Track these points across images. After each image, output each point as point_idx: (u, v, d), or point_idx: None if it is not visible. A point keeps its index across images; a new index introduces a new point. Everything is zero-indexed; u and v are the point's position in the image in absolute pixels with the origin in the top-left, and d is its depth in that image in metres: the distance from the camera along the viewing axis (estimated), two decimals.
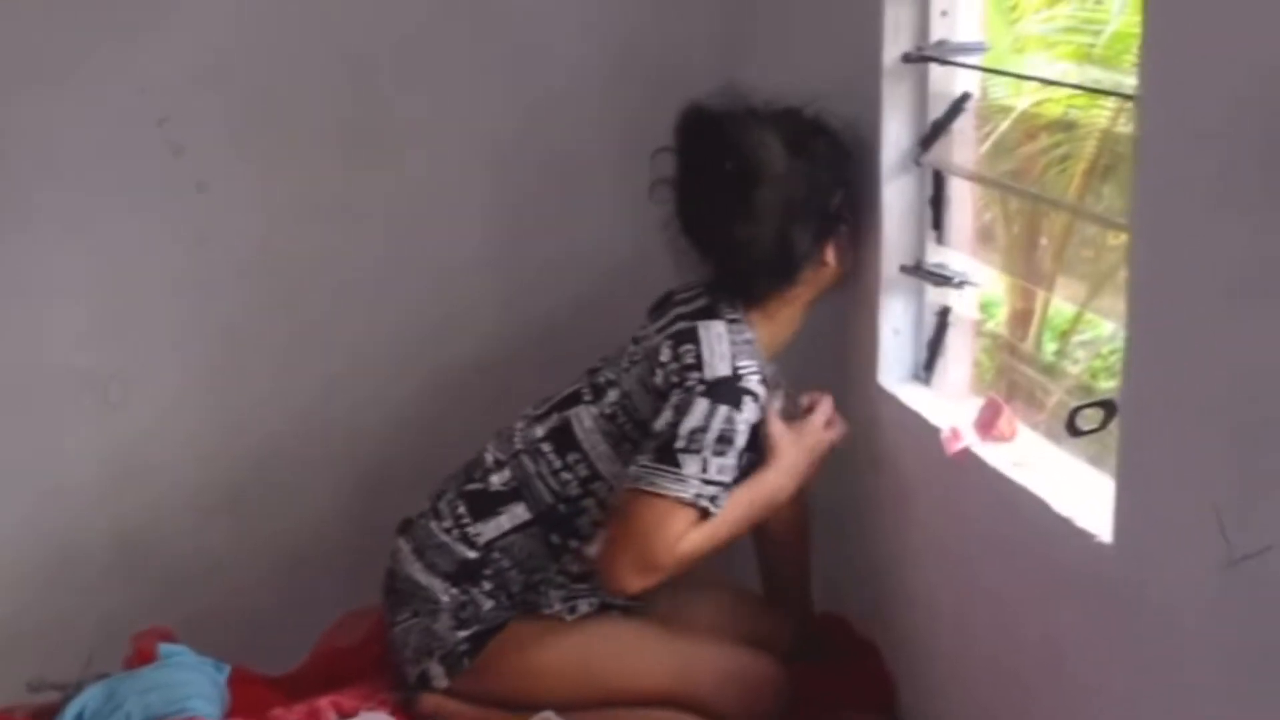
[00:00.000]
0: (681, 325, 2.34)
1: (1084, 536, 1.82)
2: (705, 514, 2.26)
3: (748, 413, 2.27)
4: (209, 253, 2.80)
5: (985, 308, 5.84)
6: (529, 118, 2.85)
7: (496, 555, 2.37)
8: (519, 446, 2.41)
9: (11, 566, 2.82)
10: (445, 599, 2.36)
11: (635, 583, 2.28)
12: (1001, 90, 2.38)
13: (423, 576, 2.39)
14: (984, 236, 2.40)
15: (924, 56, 2.28)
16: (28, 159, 2.67)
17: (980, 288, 2.37)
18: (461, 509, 2.40)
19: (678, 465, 2.24)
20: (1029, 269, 3.98)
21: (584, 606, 2.40)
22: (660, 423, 2.27)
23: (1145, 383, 1.71)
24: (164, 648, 2.29)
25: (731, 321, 2.34)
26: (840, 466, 2.53)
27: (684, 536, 2.26)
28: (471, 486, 2.42)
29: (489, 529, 2.37)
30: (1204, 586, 1.58)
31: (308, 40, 2.75)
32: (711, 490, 2.25)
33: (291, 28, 2.73)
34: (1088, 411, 1.80)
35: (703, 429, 2.24)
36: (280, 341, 2.87)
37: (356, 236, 2.86)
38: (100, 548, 2.87)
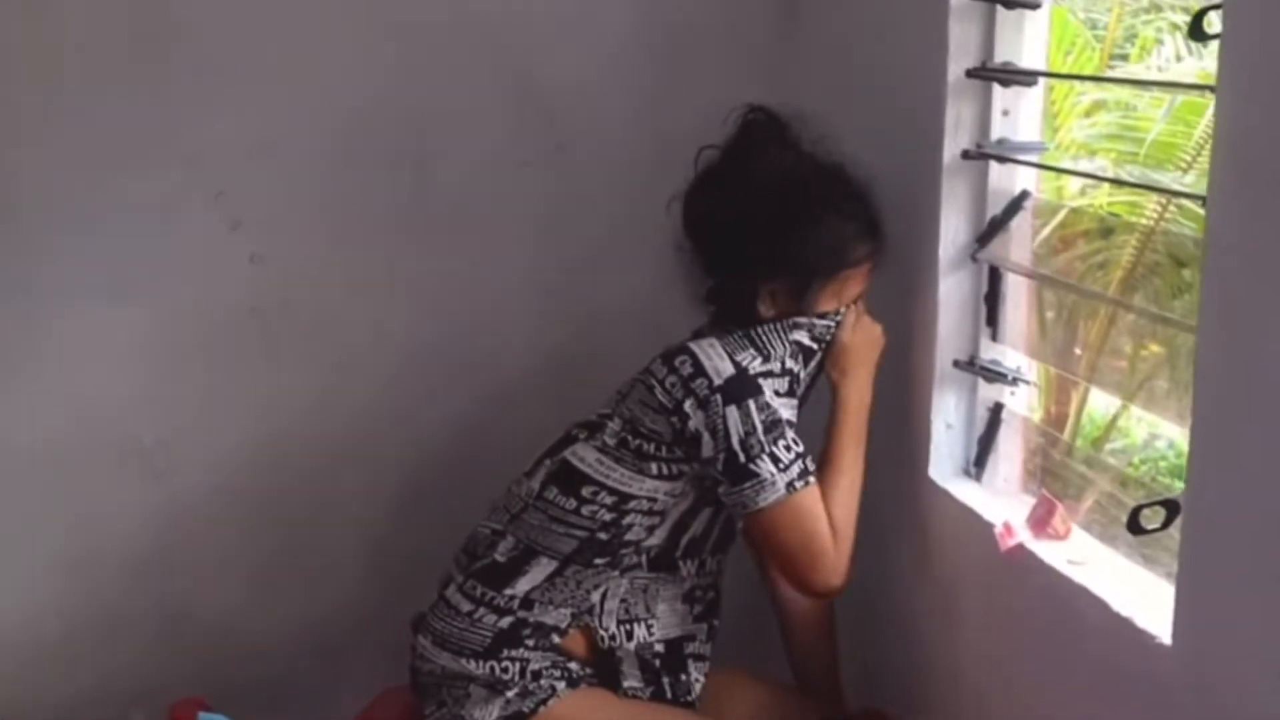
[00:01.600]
0: (671, 346, 2.34)
1: (1144, 637, 1.81)
2: (807, 483, 2.25)
3: (769, 390, 2.28)
4: (260, 324, 2.81)
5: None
6: (572, 201, 2.89)
7: (536, 609, 2.34)
8: (515, 510, 2.39)
9: (54, 634, 2.80)
10: (480, 674, 2.33)
11: (824, 580, 2.28)
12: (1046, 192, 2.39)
13: (452, 663, 2.36)
14: (1039, 335, 2.41)
15: (984, 154, 2.29)
16: (83, 230, 2.68)
17: (1034, 385, 2.36)
18: (479, 589, 2.37)
19: (756, 476, 2.23)
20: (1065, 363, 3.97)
21: (642, 633, 2.36)
22: (707, 453, 2.25)
23: (1209, 484, 1.71)
24: (204, 716, 2.27)
25: (724, 334, 2.33)
26: (887, 559, 2.52)
27: (819, 516, 2.26)
28: (479, 565, 2.39)
29: (521, 586, 2.34)
30: (1264, 693, 1.56)
31: (355, 117, 2.77)
32: (795, 469, 2.25)
33: (345, 106, 2.76)
34: (1148, 511, 1.78)
35: (750, 431, 2.24)
36: (327, 417, 2.87)
37: (405, 312, 2.87)
38: (143, 617, 2.86)
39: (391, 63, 2.78)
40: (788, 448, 2.25)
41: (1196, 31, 1.70)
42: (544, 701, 2.31)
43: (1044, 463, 2.48)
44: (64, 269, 2.70)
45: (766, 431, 2.24)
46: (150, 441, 2.80)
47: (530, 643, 2.33)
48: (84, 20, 2.63)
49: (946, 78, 2.28)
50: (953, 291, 2.36)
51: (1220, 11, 1.65)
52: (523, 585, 2.34)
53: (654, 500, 2.32)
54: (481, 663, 2.34)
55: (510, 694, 2.31)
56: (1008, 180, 2.32)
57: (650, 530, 2.33)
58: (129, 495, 2.82)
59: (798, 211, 2.30)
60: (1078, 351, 4.47)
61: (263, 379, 2.84)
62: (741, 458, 2.23)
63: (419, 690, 2.42)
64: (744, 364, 2.28)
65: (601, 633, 2.35)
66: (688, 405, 2.26)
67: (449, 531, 2.65)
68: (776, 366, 2.31)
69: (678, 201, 2.38)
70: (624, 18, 2.86)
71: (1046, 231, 4.32)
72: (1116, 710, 1.88)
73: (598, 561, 2.33)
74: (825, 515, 2.27)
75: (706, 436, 2.25)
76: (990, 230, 2.32)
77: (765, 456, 2.23)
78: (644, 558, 2.35)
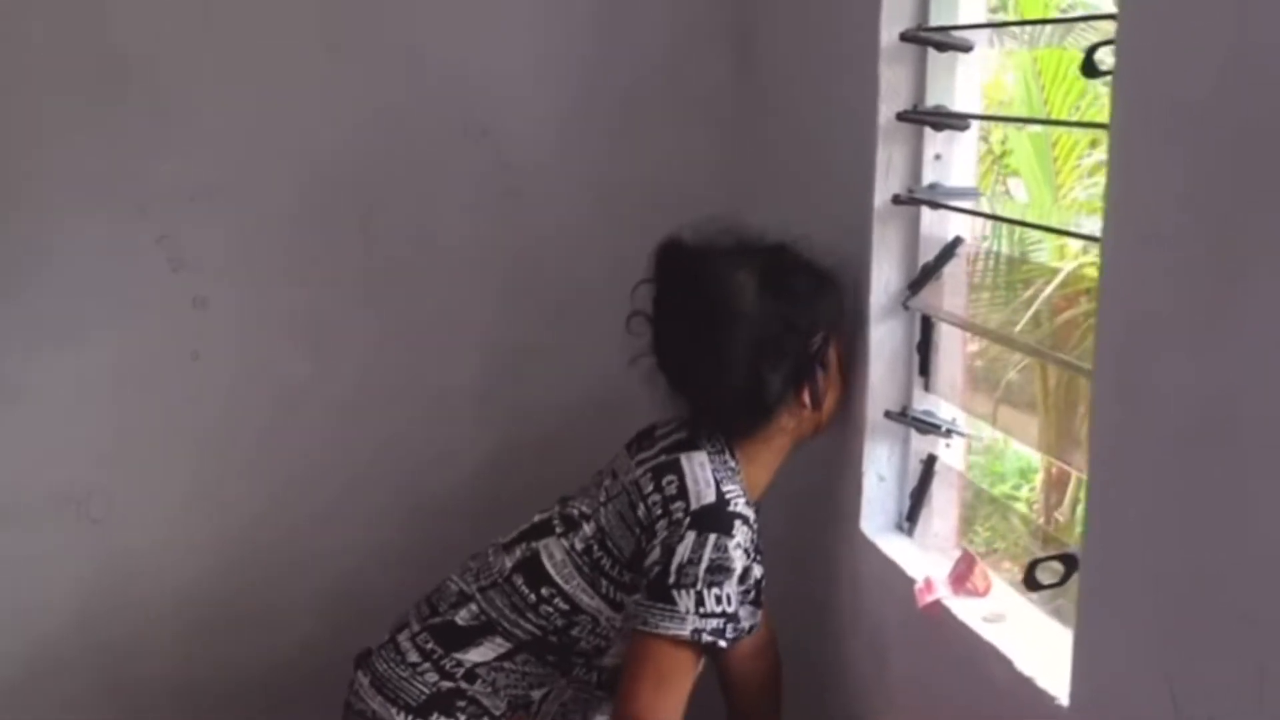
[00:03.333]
0: (663, 459, 2.28)
1: (1044, 698, 1.74)
2: (711, 649, 2.18)
3: (740, 537, 2.19)
4: (202, 368, 2.78)
5: (1023, 474, 5.71)
6: (528, 252, 2.85)
7: (479, 684, 2.28)
8: (485, 582, 2.34)
9: None
10: None
11: None
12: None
13: (383, 710, 2.30)
14: (973, 385, 2.33)
15: (916, 199, 2.24)
16: (20, 270, 2.67)
17: (968, 437, 2.29)
18: (430, 644, 2.32)
19: (672, 602, 2.16)
20: (1065, 438, 3.88)
21: None
22: (649, 560, 2.19)
23: (1104, 536, 1.63)
24: None
25: (714, 452, 2.27)
26: (824, 614, 2.45)
27: (686, 680, 2.17)
28: (436, 620, 2.34)
29: (472, 656, 2.29)
30: None
31: (308, 164, 2.75)
32: (713, 623, 2.16)
33: (292, 151, 2.74)
34: (1049, 565, 1.71)
35: (694, 561, 2.16)
36: (268, 462, 2.83)
37: (350, 360, 2.84)
38: (81, 664, 2.82)
39: (344, 112, 2.76)
40: (718, 599, 2.16)
41: (1089, 68, 1.64)
42: None
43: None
44: (8, 310, 2.68)
45: (709, 571, 2.15)
46: (85, 487, 2.77)
47: (462, 717, 2.28)
48: (43, 62, 2.63)
49: (877, 120, 2.23)
50: (884, 340, 2.30)
51: (1113, 47, 1.59)
52: (474, 656, 2.29)
53: (597, 620, 2.26)
54: (410, 718, 2.28)
55: None
56: (940, 226, 2.26)
57: (599, 650, 2.28)
58: (65, 542, 2.78)
59: (785, 306, 2.25)
60: (1081, 410, 4.38)
61: (204, 425, 2.81)
62: (671, 579, 2.16)
63: None
64: (728, 496, 2.20)
65: None
66: (659, 525, 2.20)
67: (398, 580, 2.60)
68: (752, 516, 2.23)
69: (640, 289, 2.31)
70: (580, 66, 2.83)
71: (1049, 290, 4.25)
72: None
73: (549, 658, 2.29)
74: (689, 689, 2.18)
75: (657, 550, 2.18)
76: (923, 277, 2.26)
77: (691, 593, 2.15)
78: (595, 675, 2.30)
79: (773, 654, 2.50)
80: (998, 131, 5.27)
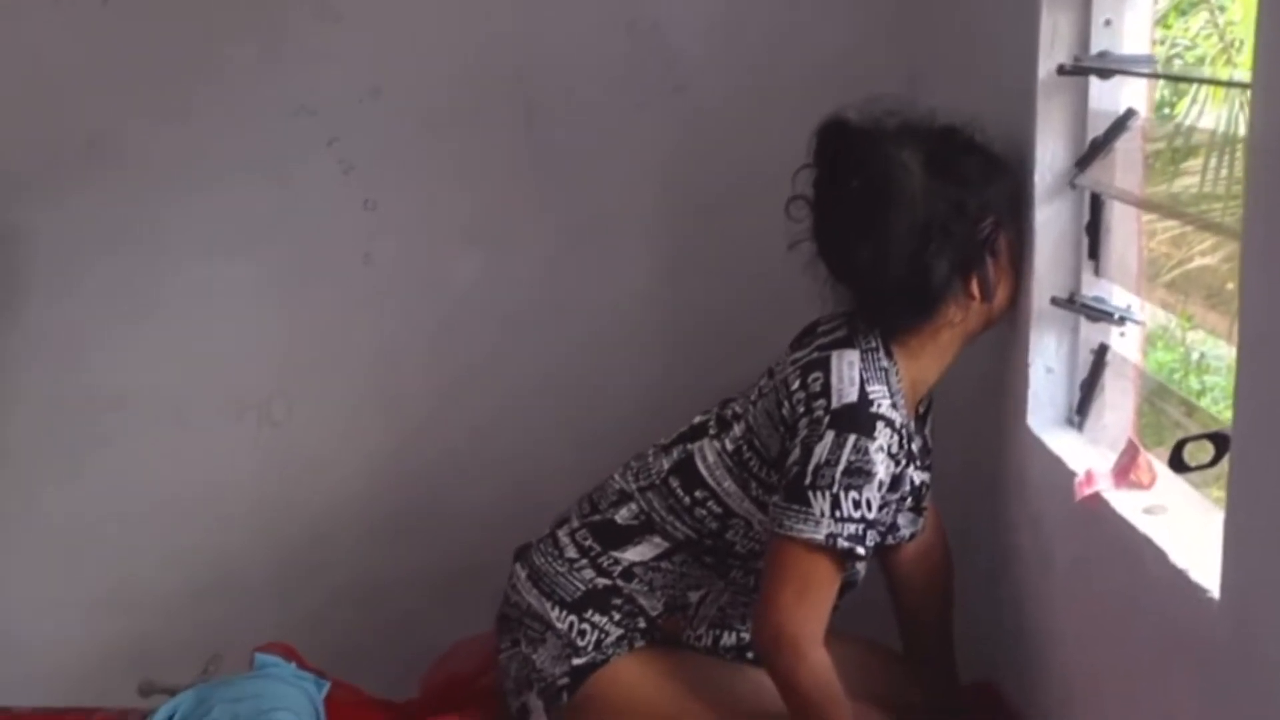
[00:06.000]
0: (815, 355, 2.19)
1: (1195, 591, 1.60)
2: (849, 555, 2.10)
3: (882, 439, 2.09)
4: (374, 271, 2.80)
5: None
6: (692, 140, 2.77)
7: (636, 583, 2.26)
8: (644, 482, 2.29)
9: (172, 585, 2.86)
10: (560, 626, 2.26)
11: (775, 632, 2.09)
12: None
13: (538, 603, 2.29)
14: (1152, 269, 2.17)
15: (1082, 69, 2.08)
16: (195, 180, 2.73)
17: (1143, 325, 2.14)
18: (589, 540, 2.30)
19: (807, 504, 2.08)
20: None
21: (729, 638, 2.27)
22: (790, 460, 2.12)
23: (1261, 413, 1.49)
24: (259, 658, 2.27)
25: (868, 350, 2.17)
26: (993, 513, 2.33)
27: (829, 587, 2.10)
28: (596, 518, 2.31)
29: (630, 555, 2.26)
30: None
31: (472, 63, 2.74)
32: (850, 529, 2.07)
33: (458, 52, 2.73)
34: (1193, 445, 1.57)
35: (831, 462, 2.08)
36: (441, 363, 2.85)
37: (518, 262, 2.82)
38: (260, 565, 2.89)
39: (502, 7, 2.73)
40: (855, 503, 2.07)
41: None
42: (606, 660, 2.25)
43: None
44: (180, 218, 2.75)
45: (846, 474, 2.07)
46: (267, 390, 2.82)
47: (616, 615, 2.26)
48: None
49: None
50: (1050, 222, 2.16)
51: None
52: (632, 555, 2.27)
53: (749, 524, 2.21)
54: (565, 614, 2.27)
55: (578, 661, 2.24)
56: (1110, 98, 2.10)
57: (754, 554, 2.22)
58: (248, 446, 2.85)
59: (952, 190, 2.13)
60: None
61: (378, 327, 2.84)
62: (808, 480, 2.08)
63: (500, 621, 2.36)
64: (871, 397, 2.11)
65: (689, 631, 2.28)
66: (801, 423, 2.13)
67: (564, 482, 2.58)
68: (898, 419, 2.13)
69: (795, 202, 2.22)
70: None
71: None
72: (1173, 671, 1.67)
73: (706, 560, 2.25)
74: (833, 599, 2.11)
75: (798, 450, 2.11)
76: (1091, 153, 2.11)
77: (827, 495, 2.07)
78: (753, 579, 2.24)
79: (939, 557, 2.40)
80: None
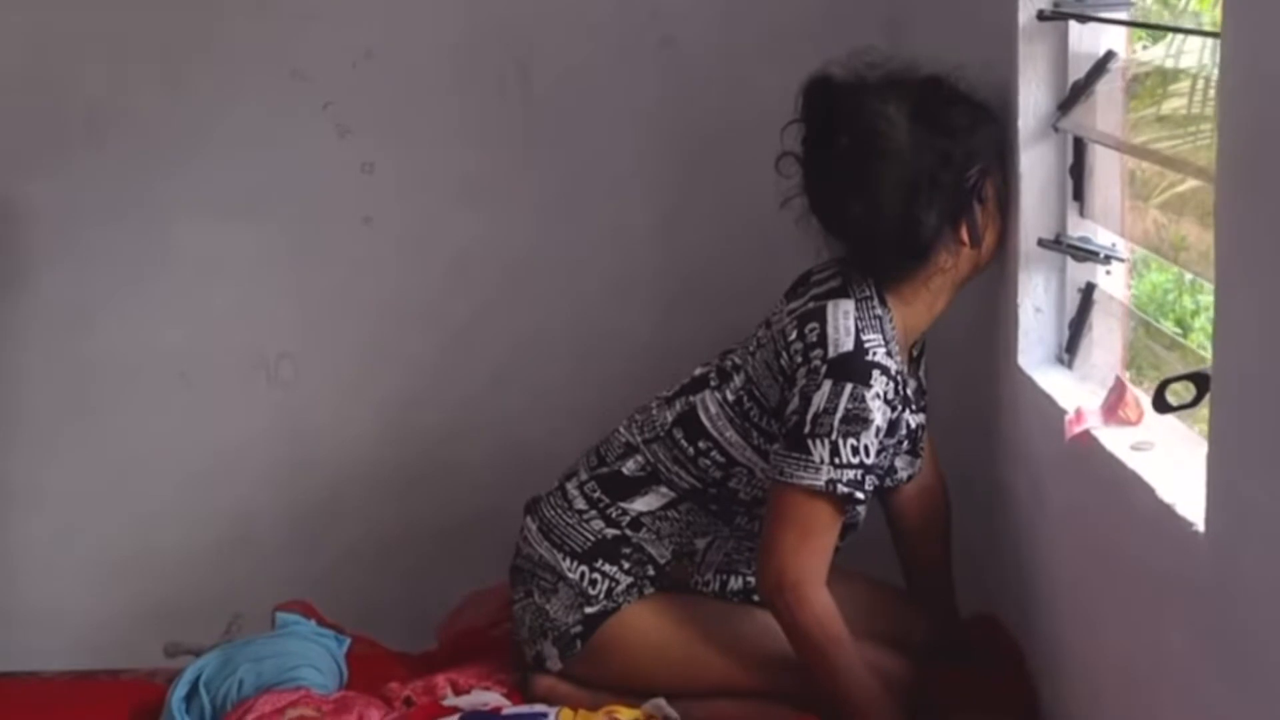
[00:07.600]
0: (810, 306, 2.25)
1: (1181, 526, 1.65)
2: (849, 500, 2.16)
3: (879, 387, 2.15)
4: (375, 232, 2.84)
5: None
6: (680, 91, 2.80)
7: (644, 532, 2.32)
8: (649, 435, 2.35)
9: (183, 542, 2.92)
10: (572, 577, 2.32)
11: (778, 578, 2.17)
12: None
13: (549, 555, 2.35)
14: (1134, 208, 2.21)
15: (1061, 13, 2.12)
16: (194, 147, 2.77)
17: (1128, 262, 2.19)
18: (598, 492, 2.36)
19: (807, 451, 2.14)
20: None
21: (735, 583, 2.33)
22: (789, 409, 2.18)
23: (1239, 352, 1.53)
24: (280, 616, 2.33)
25: (862, 300, 2.22)
26: (987, 456, 2.39)
27: (829, 533, 2.17)
28: (604, 470, 2.37)
29: (637, 505, 2.32)
30: None
31: (462, 23, 2.77)
32: (849, 474, 2.14)
33: (448, 12, 2.77)
34: (1176, 385, 1.62)
35: (829, 410, 2.14)
36: (443, 321, 2.90)
37: (517, 219, 2.86)
38: (273, 523, 2.95)
39: None
40: (854, 450, 2.14)
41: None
42: (618, 608, 2.31)
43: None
44: (180, 184, 2.79)
45: (844, 421, 2.13)
46: (274, 352, 2.88)
47: (626, 564, 2.32)
48: None
49: None
50: (1035, 165, 2.20)
51: None
52: (639, 505, 2.33)
53: (752, 472, 2.27)
54: (575, 565, 2.33)
55: (590, 610, 2.31)
56: (1091, 41, 2.14)
57: (759, 501, 2.28)
58: (256, 406, 2.91)
59: (938, 140, 2.18)
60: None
61: (380, 287, 2.89)
62: (807, 428, 2.14)
63: (513, 573, 2.42)
64: (866, 346, 2.17)
65: (697, 577, 2.34)
66: (799, 373, 2.19)
67: (572, 431, 2.64)
68: (894, 367, 2.18)
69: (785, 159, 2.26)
70: None
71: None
72: (1161, 601, 1.73)
73: (712, 508, 2.31)
74: (834, 542, 2.18)
75: (796, 399, 2.17)
76: (1073, 97, 2.15)
77: (826, 442, 2.13)
78: (758, 525, 2.29)
79: (937, 496, 2.46)
80: None
